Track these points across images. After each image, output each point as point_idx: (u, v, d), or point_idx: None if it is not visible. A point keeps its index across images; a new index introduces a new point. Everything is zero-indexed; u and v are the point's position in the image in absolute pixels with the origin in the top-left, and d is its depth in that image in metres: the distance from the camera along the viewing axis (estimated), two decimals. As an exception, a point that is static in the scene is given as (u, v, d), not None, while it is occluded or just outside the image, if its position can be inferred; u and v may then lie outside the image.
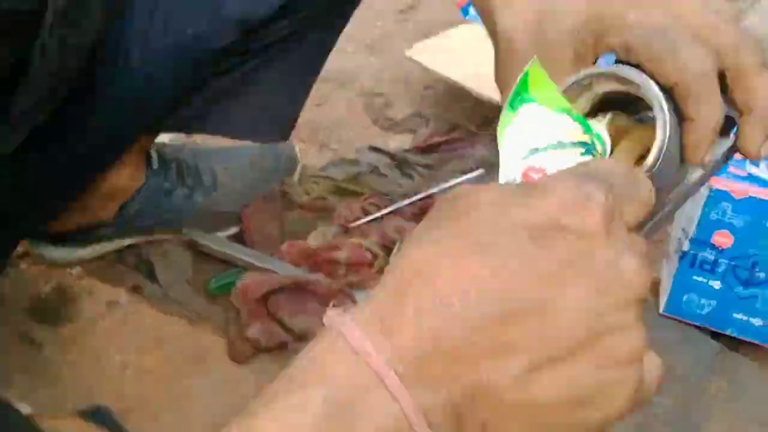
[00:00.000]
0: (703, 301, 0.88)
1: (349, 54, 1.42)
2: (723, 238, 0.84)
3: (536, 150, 0.39)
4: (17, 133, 0.63)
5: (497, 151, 0.41)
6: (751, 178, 0.85)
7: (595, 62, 0.48)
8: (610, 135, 0.44)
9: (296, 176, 1.19)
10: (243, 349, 1.01)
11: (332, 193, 1.17)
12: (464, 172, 1.18)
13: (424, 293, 0.32)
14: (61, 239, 1.10)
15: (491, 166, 1.18)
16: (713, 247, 0.84)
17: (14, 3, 0.44)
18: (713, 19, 0.44)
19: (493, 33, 0.52)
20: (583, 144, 0.40)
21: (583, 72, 0.45)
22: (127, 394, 1.00)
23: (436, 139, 1.23)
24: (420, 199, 1.14)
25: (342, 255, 1.04)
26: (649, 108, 0.43)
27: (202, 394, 1.00)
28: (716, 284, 0.86)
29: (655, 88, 0.43)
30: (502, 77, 0.51)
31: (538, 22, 0.49)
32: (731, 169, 0.86)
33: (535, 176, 0.38)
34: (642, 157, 0.43)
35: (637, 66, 0.44)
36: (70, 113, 0.70)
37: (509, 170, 0.39)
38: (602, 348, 0.32)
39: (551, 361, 0.31)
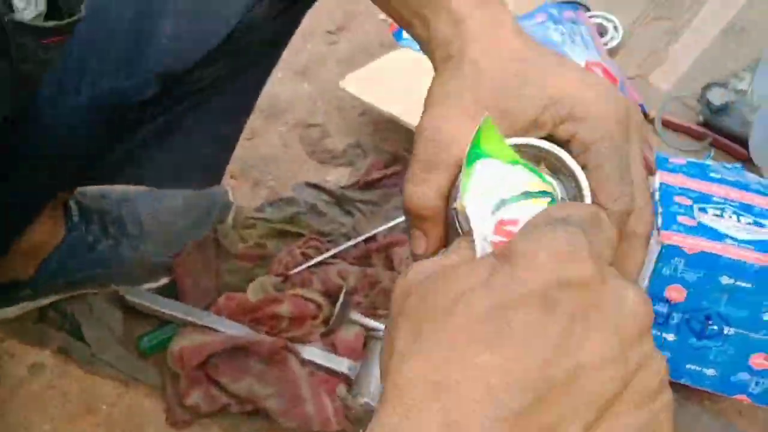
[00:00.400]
0: (656, 353, 0.87)
1: (279, 81, 1.35)
2: (676, 293, 0.83)
3: (504, 201, 0.37)
4: None
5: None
6: (701, 229, 0.84)
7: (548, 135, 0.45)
8: None
9: (230, 219, 1.13)
10: (182, 415, 0.95)
11: (270, 236, 1.11)
12: (406, 210, 1.14)
13: (446, 403, 0.30)
14: (-25, 301, 1.02)
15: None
16: (666, 301, 0.84)
17: None
18: (639, 180, 0.44)
19: (456, 60, 0.46)
20: (547, 193, 0.39)
21: (538, 142, 0.43)
22: (59, 472, 0.94)
23: (376, 174, 1.19)
24: (363, 240, 1.10)
25: (284, 309, 0.99)
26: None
27: (140, 463, 0.95)
28: (670, 336, 0.86)
29: (590, 195, 0.42)
30: (445, 91, 0.45)
31: (519, 68, 0.45)
32: (680, 219, 0.85)
33: (510, 228, 0.36)
34: None
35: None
36: None
37: (481, 229, 0.37)
38: (637, 388, 0.31)
39: (599, 420, 0.31)
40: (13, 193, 0.86)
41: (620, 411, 0.31)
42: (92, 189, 1.09)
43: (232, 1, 0.76)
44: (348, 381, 0.96)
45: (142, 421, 0.98)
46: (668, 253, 0.80)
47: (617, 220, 0.42)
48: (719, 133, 1.17)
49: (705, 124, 1.18)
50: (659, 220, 0.84)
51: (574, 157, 0.43)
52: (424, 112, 0.44)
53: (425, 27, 0.48)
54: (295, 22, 0.89)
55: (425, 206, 0.42)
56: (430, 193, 0.42)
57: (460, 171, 0.40)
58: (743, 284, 0.81)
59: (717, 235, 0.83)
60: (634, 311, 0.32)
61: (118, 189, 1.12)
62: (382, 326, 0.99)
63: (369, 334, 1.00)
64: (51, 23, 0.57)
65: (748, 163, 1.11)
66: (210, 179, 1.04)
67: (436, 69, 0.47)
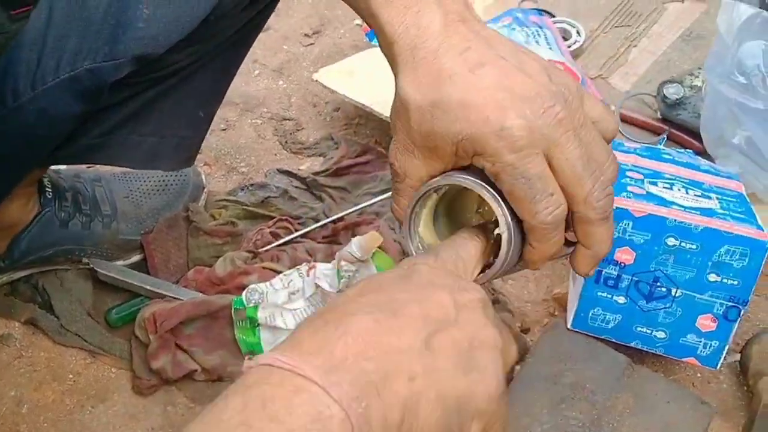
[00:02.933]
0: (608, 315, 0.90)
1: (254, 78, 1.40)
2: (625, 255, 0.86)
3: None
4: None
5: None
6: (649, 197, 0.88)
7: (470, 165, 0.52)
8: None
9: (202, 201, 1.16)
10: (148, 381, 0.97)
11: (241, 218, 1.14)
12: (375, 195, 1.18)
13: (325, 316, 0.41)
14: (-53, 272, 1.04)
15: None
16: (616, 263, 0.87)
17: None
18: (579, 171, 0.50)
19: (395, 83, 0.55)
20: None
21: (454, 178, 0.52)
22: (23, 433, 0.95)
23: (347, 162, 1.23)
24: (332, 222, 1.13)
25: (252, 280, 1.02)
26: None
27: (104, 429, 0.95)
28: (620, 299, 0.89)
29: (508, 218, 0.50)
30: (393, 121, 0.55)
31: (431, 108, 0.51)
32: (630, 188, 0.89)
33: None
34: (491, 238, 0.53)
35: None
36: None
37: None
38: (466, 328, 0.43)
39: (437, 330, 0.41)
40: None
41: (450, 335, 0.42)
42: (66, 169, 1.12)
43: None
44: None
45: (107, 389, 0.99)
46: (616, 215, 0.84)
47: (545, 230, 0.50)
48: (675, 128, 1.22)
49: (662, 119, 1.23)
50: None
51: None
52: (391, 142, 0.56)
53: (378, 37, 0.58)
54: (264, 14, 0.93)
55: (398, 216, 0.57)
56: (399, 209, 0.56)
57: (415, 192, 0.54)
58: (688, 245, 0.84)
59: (664, 202, 0.87)
60: (467, 289, 0.45)
61: (92, 170, 1.15)
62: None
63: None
64: None
65: (702, 155, 1.15)
66: (182, 162, 1.07)
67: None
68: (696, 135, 1.19)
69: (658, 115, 1.24)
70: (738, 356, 0.98)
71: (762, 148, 1.02)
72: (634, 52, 1.36)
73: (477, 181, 0.51)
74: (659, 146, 1.09)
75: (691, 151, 1.10)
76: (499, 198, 0.50)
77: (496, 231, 0.51)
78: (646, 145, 1.06)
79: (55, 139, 0.88)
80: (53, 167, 1.08)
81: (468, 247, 0.49)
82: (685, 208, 0.86)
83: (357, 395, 0.37)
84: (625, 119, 1.25)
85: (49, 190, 1.05)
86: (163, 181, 1.13)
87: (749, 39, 1.01)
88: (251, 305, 0.97)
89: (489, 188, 0.50)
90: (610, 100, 1.28)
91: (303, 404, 0.37)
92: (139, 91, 0.91)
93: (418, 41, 0.53)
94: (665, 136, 1.19)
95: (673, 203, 0.87)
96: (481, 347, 0.43)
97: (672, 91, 1.19)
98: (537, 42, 1.29)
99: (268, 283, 1.00)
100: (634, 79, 1.32)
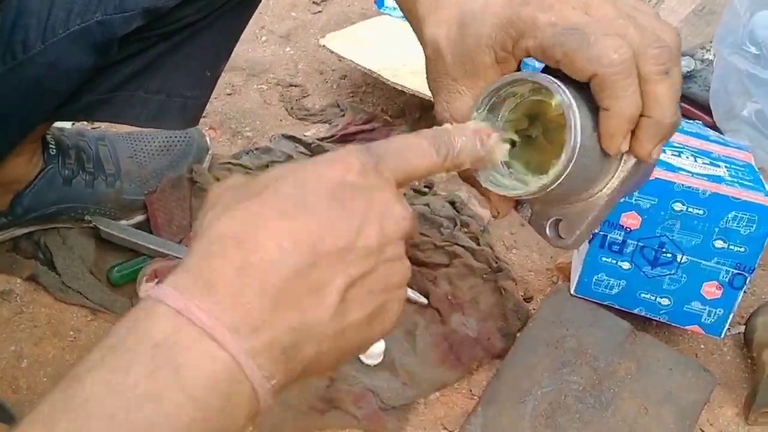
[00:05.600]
0: (612, 281, 0.89)
1: (261, 44, 1.39)
2: (631, 220, 0.86)
3: None
4: None
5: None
6: (657, 162, 0.87)
7: (518, 65, 0.49)
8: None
9: (206, 163, 1.15)
10: (148, 338, 0.96)
11: (244, 180, 1.13)
12: (379, 161, 1.17)
13: (244, 251, 0.37)
14: (-50, 228, 1.03)
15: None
16: (622, 228, 0.86)
17: None
18: (622, 23, 0.45)
19: (422, 39, 0.53)
20: None
21: (498, 82, 0.47)
22: (23, 386, 0.94)
23: (352, 129, 1.22)
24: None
25: (254, 241, 1.01)
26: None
27: (103, 386, 0.95)
28: (625, 265, 0.88)
29: (564, 89, 0.43)
30: (431, 80, 0.52)
31: (459, 30, 0.50)
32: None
33: None
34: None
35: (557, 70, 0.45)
36: None
37: None
38: (383, 272, 0.39)
39: (356, 281, 0.38)
40: None
41: (368, 284, 0.39)
42: (70, 127, 1.11)
43: None
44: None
45: (108, 346, 0.99)
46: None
47: (616, 75, 0.43)
48: (685, 101, 1.20)
49: (672, 92, 1.22)
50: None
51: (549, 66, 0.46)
52: (435, 103, 0.53)
53: None
54: None
55: None
56: None
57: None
58: (695, 211, 0.83)
59: (671, 168, 0.86)
60: (398, 219, 0.40)
61: (96, 130, 1.14)
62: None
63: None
64: None
65: (712, 129, 1.14)
66: (187, 122, 1.06)
67: None
68: (706, 109, 1.17)
69: (668, 88, 1.23)
70: (742, 328, 0.97)
71: (772, 119, 1.01)
72: (645, 26, 1.35)
73: (520, 73, 0.47)
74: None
75: (700, 122, 1.09)
76: (548, 75, 0.45)
77: (555, 105, 0.44)
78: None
79: (64, 94, 0.88)
80: (57, 125, 1.08)
81: (418, 151, 0.43)
82: (692, 174, 0.86)
83: (269, 372, 0.36)
84: (634, 92, 1.24)
85: (53, 147, 1.04)
86: (168, 142, 1.12)
87: (762, 8, 1.00)
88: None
89: (536, 73, 0.45)
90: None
91: (218, 380, 0.35)
92: (147, 46, 0.90)
93: None
94: (674, 108, 1.18)
95: (680, 169, 0.86)
96: (392, 289, 0.40)
97: (683, 64, 1.18)
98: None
99: (270, 244, 1.00)
100: (645, 52, 1.30)
